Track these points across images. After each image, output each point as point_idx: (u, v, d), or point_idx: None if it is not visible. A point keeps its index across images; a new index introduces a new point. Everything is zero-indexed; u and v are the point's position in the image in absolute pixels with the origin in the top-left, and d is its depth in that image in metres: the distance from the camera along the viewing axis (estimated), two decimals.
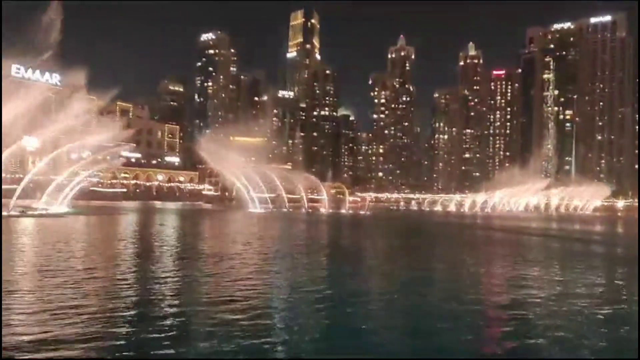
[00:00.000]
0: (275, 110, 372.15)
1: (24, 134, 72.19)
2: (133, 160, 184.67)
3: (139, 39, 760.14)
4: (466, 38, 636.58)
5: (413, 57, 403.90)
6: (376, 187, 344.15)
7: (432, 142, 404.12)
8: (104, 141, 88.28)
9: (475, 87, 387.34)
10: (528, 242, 47.75)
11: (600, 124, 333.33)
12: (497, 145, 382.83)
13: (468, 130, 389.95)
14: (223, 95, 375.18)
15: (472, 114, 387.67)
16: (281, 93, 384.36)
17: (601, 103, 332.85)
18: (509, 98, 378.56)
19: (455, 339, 12.40)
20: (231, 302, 15.57)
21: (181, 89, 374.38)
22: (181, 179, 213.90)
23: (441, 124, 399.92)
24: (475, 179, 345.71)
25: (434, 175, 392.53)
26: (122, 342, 11.28)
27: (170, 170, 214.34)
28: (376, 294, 18.51)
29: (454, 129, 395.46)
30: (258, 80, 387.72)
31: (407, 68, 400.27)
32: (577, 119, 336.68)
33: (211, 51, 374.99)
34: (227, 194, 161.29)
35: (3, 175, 73.34)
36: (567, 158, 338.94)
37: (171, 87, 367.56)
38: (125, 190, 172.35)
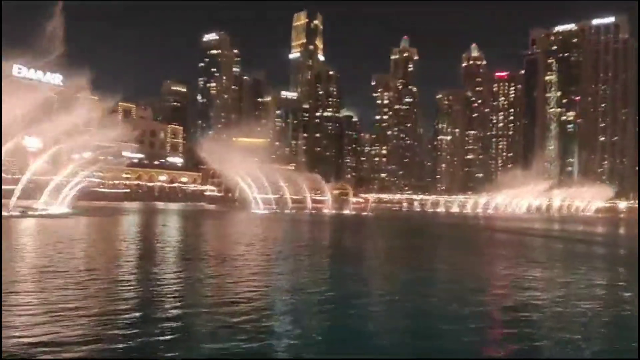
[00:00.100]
0: (278, 111, 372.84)
1: (25, 134, 71.80)
2: (136, 160, 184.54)
3: (141, 40, 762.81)
4: (469, 39, 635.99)
5: (416, 58, 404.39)
6: (379, 188, 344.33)
7: (435, 143, 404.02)
8: (106, 141, 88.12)
9: (478, 89, 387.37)
10: (531, 243, 47.69)
11: (602, 125, 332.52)
12: (500, 147, 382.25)
13: (471, 132, 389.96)
14: (226, 96, 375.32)
15: (475, 115, 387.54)
16: (284, 94, 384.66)
17: (604, 104, 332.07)
18: (511, 99, 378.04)
19: (458, 341, 12.31)
20: (234, 303, 15.53)
21: (184, 90, 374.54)
22: (184, 179, 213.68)
23: (444, 125, 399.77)
24: (477, 180, 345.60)
25: (437, 176, 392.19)
26: (124, 345, 11.20)
27: (172, 171, 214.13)
28: (377, 296, 18.42)
29: (456, 130, 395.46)
30: (261, 81, 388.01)
31: (410, 69, 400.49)
32: (579, 120, 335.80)
33: (214, 52, 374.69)
34: (230, 194, 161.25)
35: (3, 175, 73.16)
36: (569, 159, 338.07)
37: (174, 88, 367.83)
38: (127, 190, 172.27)
